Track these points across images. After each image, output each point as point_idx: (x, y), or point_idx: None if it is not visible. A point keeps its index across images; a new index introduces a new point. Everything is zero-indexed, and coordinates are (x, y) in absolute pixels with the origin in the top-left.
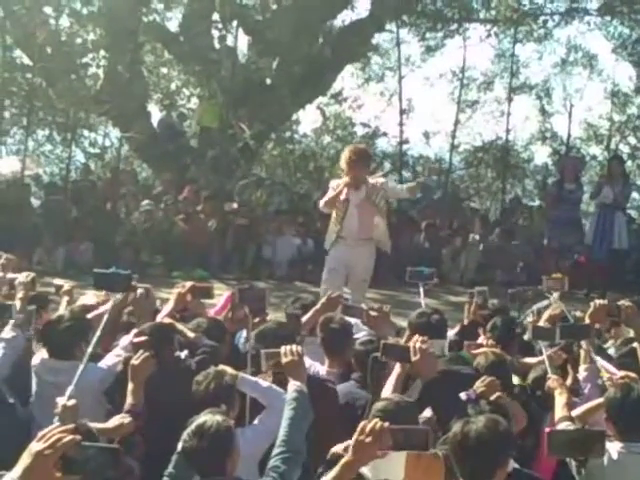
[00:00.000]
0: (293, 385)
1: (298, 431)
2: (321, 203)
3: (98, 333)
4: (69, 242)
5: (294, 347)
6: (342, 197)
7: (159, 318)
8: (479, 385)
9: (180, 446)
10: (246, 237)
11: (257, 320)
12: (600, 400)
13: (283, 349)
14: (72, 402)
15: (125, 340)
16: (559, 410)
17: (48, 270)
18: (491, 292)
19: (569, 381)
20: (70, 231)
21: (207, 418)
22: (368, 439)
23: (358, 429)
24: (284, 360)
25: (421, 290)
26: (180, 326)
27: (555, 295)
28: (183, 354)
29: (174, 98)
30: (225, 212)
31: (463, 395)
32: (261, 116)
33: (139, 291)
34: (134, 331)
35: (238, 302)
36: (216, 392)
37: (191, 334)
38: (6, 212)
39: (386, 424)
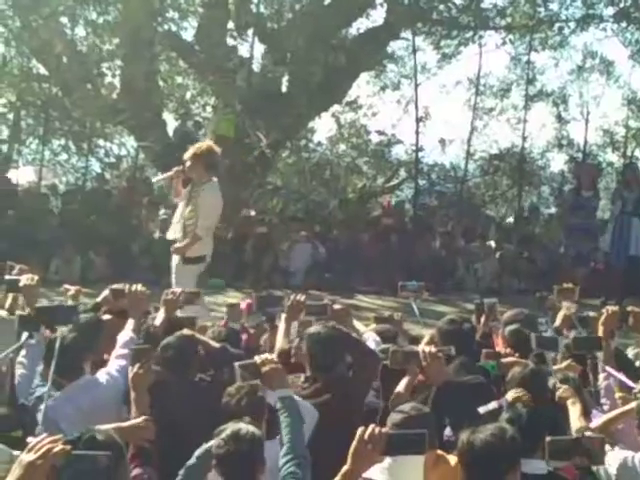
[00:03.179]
0: (278, 393)
1: (299, 436)
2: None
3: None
4: (86, 251)
5: (269, 355)
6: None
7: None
8: (511, 396)
9: (212, 451)
10: (263, 246)
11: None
12: (623, 409)
13: (258, 359)
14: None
15: (123, 337)
16: (576, 421)
17: (65, 280)
18: (507, 300)
19: (592, 388)
20: (87, 240)
21: (241, 426)
22: (367, 446)
23: (357, 437)
24: (263, 370)
25: (413, 305)
26: (202, 337)
27: (565, 304)
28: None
29: (189, 107)
30: (241, 221)
31: (495, 403)
32: (277, 125)
33: (135, 287)
34: (129, 326)
35: (255, 309)
36: (247, 407)
37: (215, 344)
38: (23, 222)
39: (384, 429)
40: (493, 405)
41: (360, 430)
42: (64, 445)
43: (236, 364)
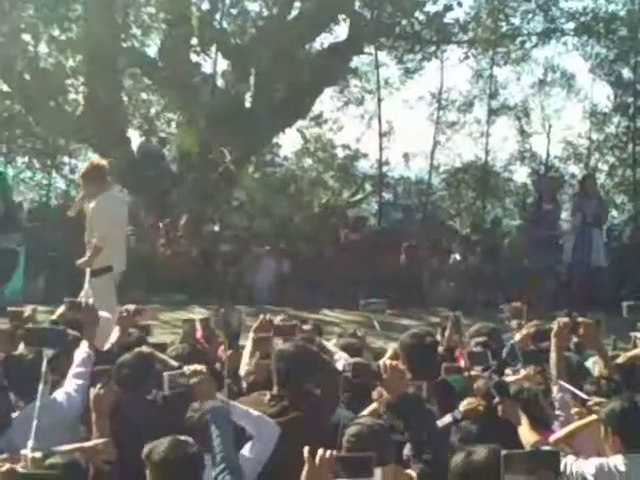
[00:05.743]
0: (208, 404)
1: (229, 445)
2: None
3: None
4: (49, 270)
5: (197, 366)
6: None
7: (108, 345)
8: (464, 405)
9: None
10: (228, 261)
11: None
12: (583, 421)
13: (187, 369)
14: (39, 454)
15: (79, 355)
16: (528, 436)
17: (29, 299)
18: (472, 313)
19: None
20: (50, 258)
21: (174, 437)
22: (318, 470)
23: (306, 460)
24: (192, 381)
25: (375, 322)
26: (162, 355)
27: (514, 323)
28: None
29: (154, 123)
30: (206, 237)
31: (449, 417)
32: (241, 140)
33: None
34: (84, 344)
35: (213, 326)
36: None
37: (174, 363)
38: None
39: (334, 452)
40: (448, 419)
41: (307, 453)
42: (11, 465)
43: (165, 374)
